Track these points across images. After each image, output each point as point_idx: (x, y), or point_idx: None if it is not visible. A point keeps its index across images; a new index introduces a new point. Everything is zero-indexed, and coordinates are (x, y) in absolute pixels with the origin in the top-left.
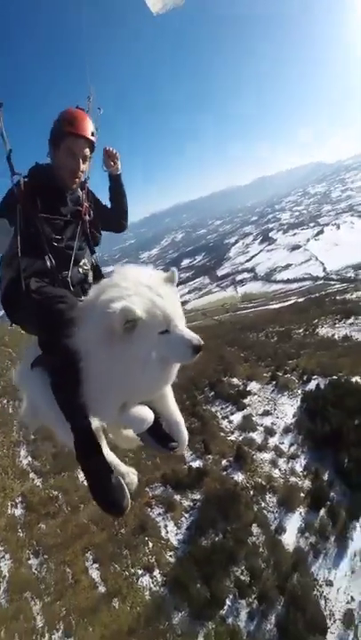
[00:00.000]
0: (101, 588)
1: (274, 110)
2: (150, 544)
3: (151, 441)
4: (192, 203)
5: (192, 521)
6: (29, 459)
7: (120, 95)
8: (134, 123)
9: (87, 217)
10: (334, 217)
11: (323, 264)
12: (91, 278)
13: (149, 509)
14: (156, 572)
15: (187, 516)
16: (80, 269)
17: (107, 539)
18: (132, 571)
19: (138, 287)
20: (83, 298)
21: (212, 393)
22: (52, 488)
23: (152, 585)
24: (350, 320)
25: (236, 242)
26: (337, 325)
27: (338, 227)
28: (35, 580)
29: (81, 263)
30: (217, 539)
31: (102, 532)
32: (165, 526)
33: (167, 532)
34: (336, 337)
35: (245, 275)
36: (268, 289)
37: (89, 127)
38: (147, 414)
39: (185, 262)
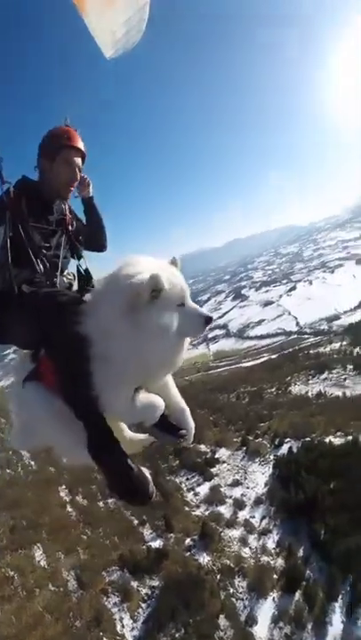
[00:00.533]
0: None
1: (246, 174)
2: None
3: (159, 433)
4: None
5: (150, 612)
6: None
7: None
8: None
9: (70, 227)
10: (306, 274)
11: (296, 318)
12: (75, 287)
13: (105, 598)
14: None
15: (144, 606)
16: (65, 278)
17: (62, 631)
18: None
19: (153, 265)
20: (91, 289)
21: (177, 462)
22: (8, 567)
23: None
24: (324, 375)
25: (209, 299)
26: (310, 381)
27: (310, 282)
28: None
29: (65, 272)
30: (178, 634)
31: (57, 622)
32: (121, 619)
33: (123, 627)
34: (310, 394)
35: (218, 331)
36: (240, 346)
37: (82, 144)
38: (157, 400)
39: None
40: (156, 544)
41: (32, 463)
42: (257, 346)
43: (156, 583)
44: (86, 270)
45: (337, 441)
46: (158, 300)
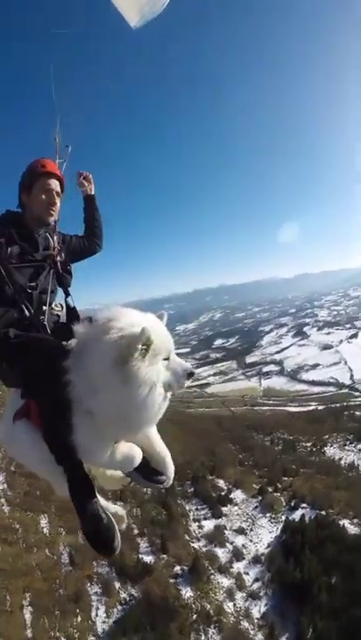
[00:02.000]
0: (29, 633)
1: (324, 211)
2: (79, 618)
3: (138, 477)
4: (235, 286)
5: (122, 617)
6: (5, 486)
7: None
8: (187, 206)
9: (59, 258)
10: None
11: (351, 370)
12: (63, 318)
13: (89, 583)
14: None
15: (119, 608)
16: (53, 311)
17: (46, 590)
18: (57, 634)
19: (140, 319)
20: (79, 331)
21: (192, 489)
22: (15, 520)
23: None
24: None
25: (271, 330)
26: (346, 447)
27: None
28: None
29: (53, 305)
30: None
31: (44, 581)
32: (97, 608)
33: (97, 615)
34: (342, 462)
35: (272, 367)
36: (291, 387)
37: (57, 169)
38: (135, 451)
39: (218, 342)
40: (148, 559)
41: None
42: (307, 391)
43: (135, 593)
44: (73, 309)
45: (352, 529)
46: (147, 354)
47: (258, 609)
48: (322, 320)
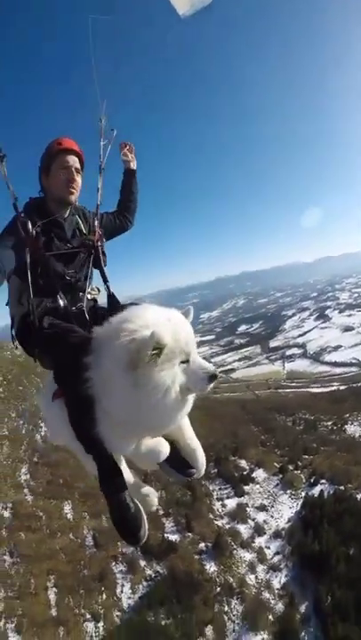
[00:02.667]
0: (53, 612)
1: (343, 194)
2: (104, 595)
3: (169, 468)
4: (258, 272)
5: (147, 592)
6: (27, 476)
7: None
8: (208, 195)
9: (100, 243)
10: None
11: None
12: (100, 302)
13: (114, 563)
14: (101, 625)
15: (145, 584)
16: (89, 295)
17: (70, 571)
18: (82, 612)
19: (159, 319)
20: (98, 329)
21: (216, 470)
22: (39, 508)
23: (94, 634)
24: None
25: (293, 315)
26: None
27: None
28: (4, 573)
29: (89, 289)
30: (163, 621)
31: (69, 563)
32: (122, 585)
33: (122, 592)
34: None
35: (295, 350)
36: (314, 369)
37: (76, 145)
38: (162, 447)
39: (242, 328)
40: (173, 537)
41: None
42: (330, 373)
43: (160, 570)
44: (113, 296)
45: None
46: (160, 358)
47: (278, 580)
48: (343, 302)
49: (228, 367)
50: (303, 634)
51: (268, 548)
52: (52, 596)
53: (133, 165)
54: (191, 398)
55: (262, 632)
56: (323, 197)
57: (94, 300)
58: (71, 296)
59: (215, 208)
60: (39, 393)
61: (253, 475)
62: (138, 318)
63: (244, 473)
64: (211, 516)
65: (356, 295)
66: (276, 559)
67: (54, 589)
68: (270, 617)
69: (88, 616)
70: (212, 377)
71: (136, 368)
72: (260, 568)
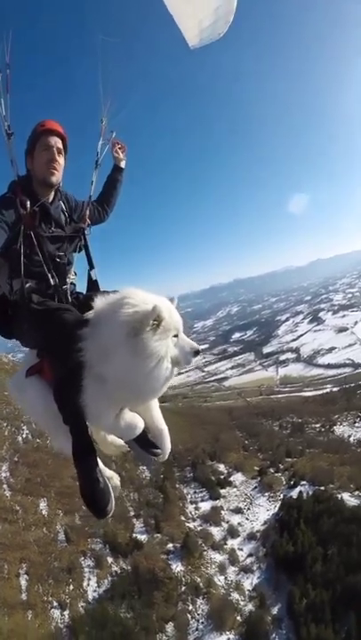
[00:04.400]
0: (24, 596)
1: (330, 198)
2: (71, 586)
3: (136, 447)
4: (251, 279)
5: (111, 586)
6: (8, 474)
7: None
8: (194, 202)
9: (87, 231)
10: None
11: None
12: (75, 287)
13: (83, 558)
14: (66, 613)
15: (110, 579)
16: (68, 280)
17: (41, 562)
18: (50, 599)
19: (155, 298)
20: (96, 305)
21: (191, 474)
22: (16, 503)
23: (59, 621)
24: None
25: (287, 319)
26: (356, 424)
27: None
28: None
29: (70, 274)
30: (123, 615)
31: (41, 555)
32: (89, 579)
33: (88, 585)
34: (352, 439)
35: (289, 355)
36: (308, 372)
37: (59, 126)
38: (139, 422)
39: (236, 335)
40: (142, 537)
41: None
42: (323, 375)
43: (125, 567)
44: (95, 282)
45: (352, 501)
46: (157, 330)
47: (250, 582)
48: (337, 304)
49: (221, 375)
50: (274, 635)
51: (241, 549)
52: (23, 582)
53: (123, 164)
54: (175, 372)
55: (228, 632)
56: (313, 201)
57: (73, 285)
58: (59, 279)
59: (205, 217)
60: (10, 378)
61: (231, 478)
62: (137, 295)
63: (222, 477)
64: (182, 518)
65: (350, 296)
66: (248, 561)
67: (25, 576)
68: (238, 618)
69: (55, 604)
70: (197, 352)
71: (137, 336)
72: (231, 570)
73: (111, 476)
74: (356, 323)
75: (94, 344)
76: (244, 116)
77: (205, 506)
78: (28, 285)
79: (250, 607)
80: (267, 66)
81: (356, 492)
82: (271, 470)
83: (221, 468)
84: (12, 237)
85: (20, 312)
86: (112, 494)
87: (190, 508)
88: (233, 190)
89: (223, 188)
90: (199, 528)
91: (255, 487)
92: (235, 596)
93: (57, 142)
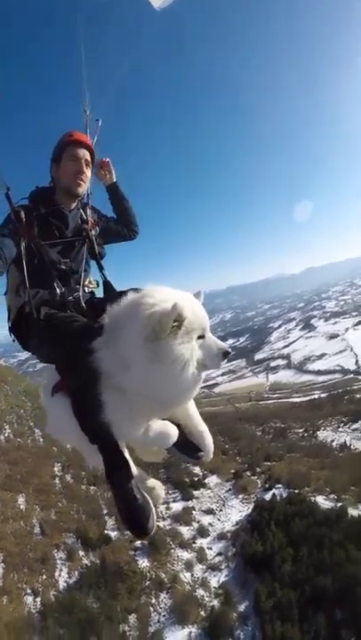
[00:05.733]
0: (0, 583)
1: (324, 203)
2: (44, 576)
3: (177, 452)
4: (245, 286)
5: (81, 577)
6: None
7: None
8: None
9: (93, 232)
10: None
11: (356, 356)
12: (94, 296)
13: (56, 550)
14: (39, 600)
15: (80, 570)
16: (86, 288)
17: (17, 552)
18: (24, 587)
19: (177, 295)
20: (110, 310)
21: (165, 476)
22: None
23: (32, 606)
24: (356, 425)
25: (280, 326)
26: (340, 429)
27: None
28: None
29: (87, 282)
30: (90, 604)
31: (17, 545)
32: (61, 570)
33: (60, 575)
34: (334, 444)
35: (280, 361)
36: (297, 379)
37: (87, 138)
38: (171, 430)
39: (229, 342)
40: (112, 534)
41: (41, 440)
42: (313, 381)
43: (95, 560)
44: (108, 283)
45: (325, 504)
46: (180, 331)
47: (217, 579)
48: (329, 311)
49: (212, 382)
50: (239, 632)
51: (210, 549)
52: (0, 570)
53: (112, 179)
54: (202, 376)
55: (191, 626)
56: (308, 210)
57: (92, 293)
58: (67, 286)
59: (200, 226)
60: (43, 391)
61: (206, 480)
62: (157, 293)
63: (196, 479)
64: None
65: (342, 303)
66: (217, 559)
67: (2, 564)
68: (202, 613)
69: (29, 591)
70: (226, 353)
71: (157, 340)
72: (198, 567)
73: (153, 486)
74: (347, 329)
75: (111, 352)
76: (233, 107)
77: (177, 506)
78: (38, 296)
79: (215, 603)
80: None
81: (332, 496)
82: (248, 474)
83: (197, 470)
84: (18, 246)
85: (31, 325)
86: (153, 509)
87: (162, 507)
88: (228, 198)
89: (218, 197)
90: (168, 527)
91: (229, 489)
92: (200, 592)
93: (85, 154)
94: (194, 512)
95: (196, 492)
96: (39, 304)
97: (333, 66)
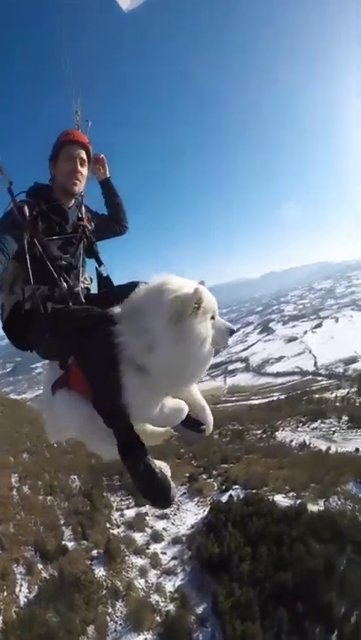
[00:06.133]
0: None
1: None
2: (5, 593)
3: (182, 429)
4: None
5: (40, 591)
6: None
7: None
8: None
9: (89, 227)
10: (336, 310)
11: (315, 357)
12: (89, 291)
13: (15, 565)
14: (0, 617)
15: (39, 584)
16: (82, 284)
17: None
18: None
19: (189, 282)
20: (129, 298)
21: (119, 483)
22: None
23: None
24: (315, 424)
25: (238, 330)
26: (299, 429)
27: (336, 320)
28: None
29: (82, 278)
30: (49, 618)
31: None
32: (21, 585)
33: (20, 590)
34: (293, 443)
35: (238, 364)
36: (256, 382)
37: (84, 137)
38: (183, 405)
39: None
40: (70, 545)
41: None
42: (271, 383)
43: (54, 573)
44: (107, 277)
45: (284, 502)
46: (198, 312)
47: (172, 584)
48: (288, 315)
49: None
50: (198, 634)
51: (165, 553)
52: None
53: (105, 175)
54: (212, 355)
55: (146, 632)
56: (269, 216)
57: (87, 289)
58: (68, 282)
59: (159, 229)
60: (40, 398)
61: None
62: (174, 281)
63: None
64: (108, 525)
65: (300, 307)
66: (171, 564)
67: None
68: (158, 618)
69: None
70: (232, 331)
71: (180, 320)
72: (152, 573)
73: (161, 466)
74: (305, 332)
75: (134, 337)
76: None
77: (130, 513)
78: (39, 292)
79: (171, 608)
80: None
81: (291, 494)
82: (204, 477)
83: None
84: (22, 243)
85: (37, 320)
86: (170, 480)
87: (116, 515)
88: (184, 203)
89: (176, 201)
90: (123, 534)
91: (184, 493)
92: (155, 597)
93: (80, 153)
94: (147, 518)
95: None
96: (43, 298)
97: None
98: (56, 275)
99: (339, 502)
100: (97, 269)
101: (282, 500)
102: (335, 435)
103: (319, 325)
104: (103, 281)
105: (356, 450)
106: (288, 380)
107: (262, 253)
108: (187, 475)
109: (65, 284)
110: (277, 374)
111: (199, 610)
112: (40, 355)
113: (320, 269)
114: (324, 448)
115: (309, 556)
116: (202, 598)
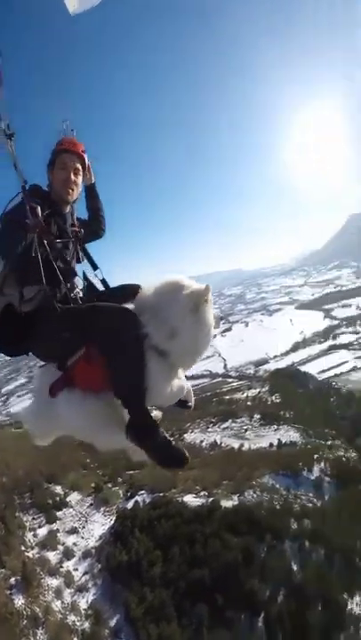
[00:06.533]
0: None
1: (194, 215)
2: None
3: (171, 406)
4: None
5: None
6: None
7: None
8: None
9: (81, 232)
10: (246, 315)
11: (224, 360)
12: (83, 292)
13: None
14: None
15: None
16: (78, 286)
17: None
18: None
19: (195, 282)
20: (142, 296)
21: (30, 500)
22: None
23: None
24: (226, 424)
25: None
26: (209, 429)
27: (246, 324)
28: None
29: (75, 280)
30: None
31: None
32: None
33: None
34: (204, 444)
35: None
36: None
37: (79, 146)
38: (184, 383)
39: None
40: None
41: None
42: None
43: None
44: (104, 280)
45: (195, 501)
46: (207, 304)
47: (85, 600)
48: None
49: None
50: None
51: (77, 569)
52: None
53: (91, 181)
54: None
55: None
56: (179, 223)
57: (80, 291)
58: (69, 289)
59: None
60: (31, 406)
61: (68, 499)
62: (185, 280)
63: (58, 499)
64: (23, 548)
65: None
66: (83, 579)
67: None
68: (75, 639)
69: None
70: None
71: (197, 310)
72: (67, 592)
73: (156, 416)
74: (215, 336)
75: (157, 327)
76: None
77: (43, 531)
78: (41, 293)
79: (87, 626)
80: None
81: (203, 493)
82: (109, 485)
83: (58, 489)
84: (27, 244)
85: (46, 320)
86: (183, 448)
87: (29, 535)
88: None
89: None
90: (37, 555)
91: (91, 504)
92: (71, 617)
93: (73, 162)
94: (58, 534)
95: (59, 513)
96: (50, 298)
97: None
98: (62, 276)
99: (255, 495)
100: (84, 273)
101: (193, 499)
102: (247, 432)
103: (229, 329)
104: (102, 283)
105: (270, 445)
106: (198, 382)
107: (177, 258)
108: (92, 485)
109: (68, 285)
110: (187, 378)
111: (113, 622)
112: (39, 357)
113: (232, 276)
114: (236, 446)
115: (226, 550)
116: (115, 609)
